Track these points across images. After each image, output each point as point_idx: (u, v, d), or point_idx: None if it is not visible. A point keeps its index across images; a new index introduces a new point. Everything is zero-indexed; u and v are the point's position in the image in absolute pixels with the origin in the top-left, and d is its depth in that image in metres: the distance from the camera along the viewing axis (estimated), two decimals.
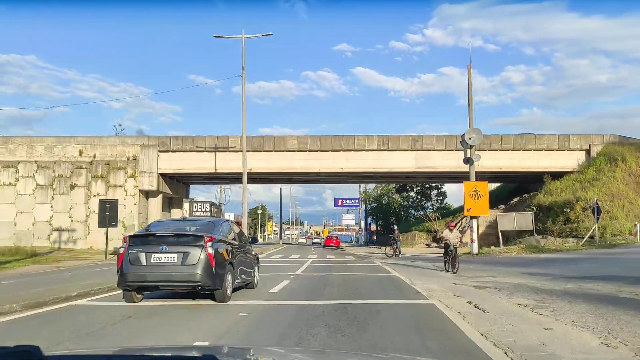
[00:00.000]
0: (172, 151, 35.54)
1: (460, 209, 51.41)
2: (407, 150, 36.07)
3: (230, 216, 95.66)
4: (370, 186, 65.46)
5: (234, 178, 40.45)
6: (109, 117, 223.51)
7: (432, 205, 53.00)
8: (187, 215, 65.43)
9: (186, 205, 63.99)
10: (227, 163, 35.17)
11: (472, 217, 23.27)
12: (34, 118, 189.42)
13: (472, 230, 23.20)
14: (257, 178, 42.55)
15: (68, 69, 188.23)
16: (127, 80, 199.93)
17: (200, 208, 68.48)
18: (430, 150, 36.01)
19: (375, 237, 65.62)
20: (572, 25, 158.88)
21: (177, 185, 40.40)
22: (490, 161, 35.15)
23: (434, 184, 51.96)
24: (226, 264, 8.72)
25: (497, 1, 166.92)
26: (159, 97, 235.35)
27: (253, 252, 11.11)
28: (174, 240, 8.48)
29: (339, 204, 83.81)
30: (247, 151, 35.63)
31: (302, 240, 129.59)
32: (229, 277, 8.77)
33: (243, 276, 9.84)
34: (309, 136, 36.10)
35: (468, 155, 22.82)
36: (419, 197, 53.85)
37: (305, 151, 35.78)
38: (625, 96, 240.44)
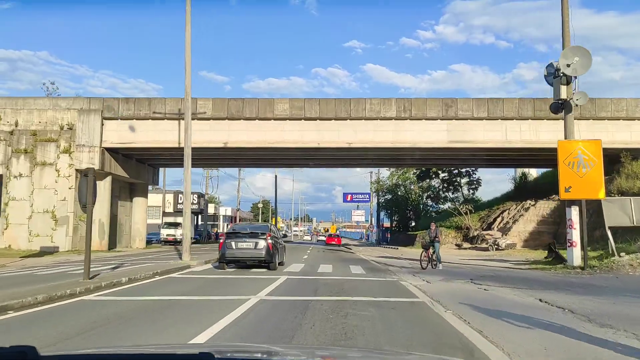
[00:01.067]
0: (122, 118, 26.57)
1: (496, 201, 41.42)
2: (437, 120, 26.81)
3: (227, 210, 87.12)
4: (384, 174, 56.23)
5: (207, 156, 31.49)
6: None
7: (461, 195, 43.45)
8: (170, 208, 56.47)
9: (157, 197, 55.11)
10: (197, 135, 26.21)
11: (569, 204, 13.97)
12: None
13: (570, 226, 13.78)
14: (235, 158, 33.46)
15: (80, 65, 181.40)
16: (138, 77, 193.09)
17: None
18: (467, 119, 26.72)
19: (389, 235, 56.40)
20: (585, 22, 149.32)
21: (139, 168, 31.51)
22: (549, 134, 25.86)
23: (463, 169, 42.17)
24: (276, 248, 15.42)
25: None
26: (171, 93, 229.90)
27: (283, 243, 18.19)
28: (249, 235, 15.25)
29: (348, 199, 78.24)
30: (223, 119, 26.75)
31: (308, 238, 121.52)
32: (277, 257, 15.43)
33: (279, 257, 16.16)
34: (304, 99, 26.93)
35: (562, 95, 13.50)
36: (444, 185, 43.91)
37: (300, 119, 26.65)
38: None
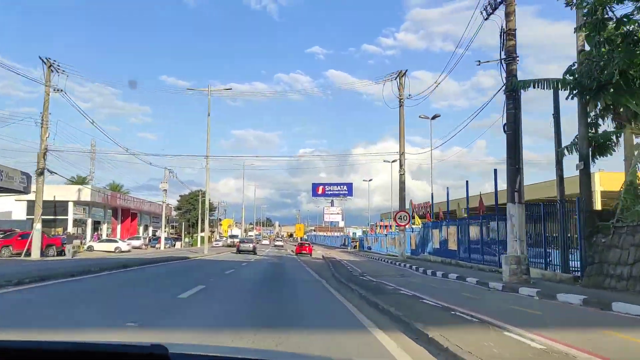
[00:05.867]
0: None
1: None
2: None
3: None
4: None
5: None
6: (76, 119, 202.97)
7: None
8: None
9: None
10: None
11: None
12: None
13: None
14: None
15: (34, 69, 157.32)
16: (95, 81, 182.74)
17: None
18: None
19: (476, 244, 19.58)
20: (542, 31, 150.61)
21: None
22: None
23: None
24: (255, 247, 47.57)
25: (468, 7, 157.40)
26: (130, 98, 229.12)
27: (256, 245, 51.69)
28: (247, 241, 48.61)
29: (319, 191, 65.23)
30: None
31: (266, 242, 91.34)
32: (256, 249, 46.51)
33: (257, 250, 47.58)
34: None
35: None
36: None
37: None
38: None
